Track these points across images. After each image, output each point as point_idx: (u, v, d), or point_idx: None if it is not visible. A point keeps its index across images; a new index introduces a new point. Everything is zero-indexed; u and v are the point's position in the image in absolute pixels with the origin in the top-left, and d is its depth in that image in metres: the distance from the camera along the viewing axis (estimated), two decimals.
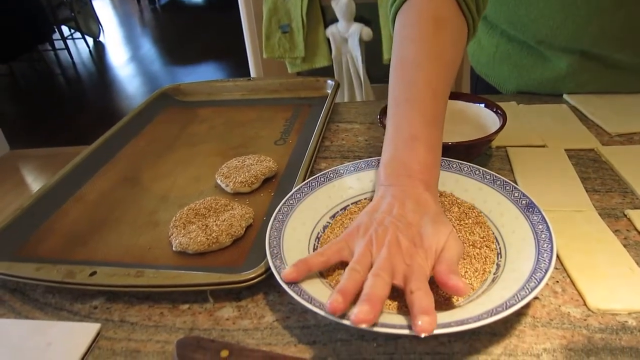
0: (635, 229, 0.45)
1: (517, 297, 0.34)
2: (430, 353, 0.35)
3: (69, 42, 4.25)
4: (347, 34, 1.55)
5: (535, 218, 0.41)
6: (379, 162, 0.47)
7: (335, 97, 0.75)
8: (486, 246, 0.42)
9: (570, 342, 0.35)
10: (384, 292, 0.34)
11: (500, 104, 0.59)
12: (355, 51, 1.56)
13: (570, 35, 0.66)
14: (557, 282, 0.40)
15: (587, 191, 0.51)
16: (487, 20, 0.78)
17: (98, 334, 0.39)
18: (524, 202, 0.44)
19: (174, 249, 0.47)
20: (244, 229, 0.48)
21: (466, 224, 0.45)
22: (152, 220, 0.52)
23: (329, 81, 0.80)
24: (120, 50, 4.44)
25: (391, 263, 0.36)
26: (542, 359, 0.34)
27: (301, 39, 1.60)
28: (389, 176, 0.44)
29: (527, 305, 0.38)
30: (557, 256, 0.42)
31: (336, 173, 0.50)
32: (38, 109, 3.22)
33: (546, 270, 0.35)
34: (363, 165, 0.51)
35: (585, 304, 0.38)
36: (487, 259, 0.41)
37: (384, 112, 0.58)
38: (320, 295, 0.35)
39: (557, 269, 0.42)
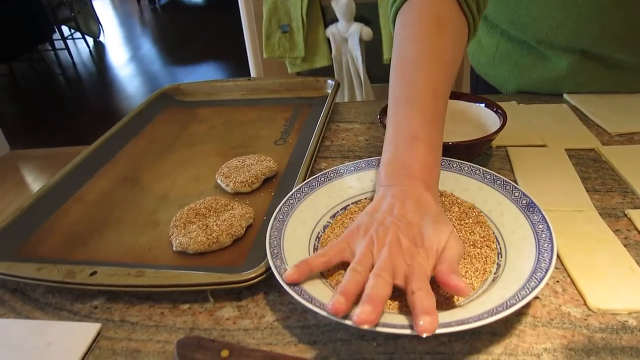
0: (636, 229, 0.45)
1: (518, 297, 0.34)
2: (431, 353, 0.35)
3: (69, 42, 4.25)
4: (347, 34, 1.55)
5: (535, 218, 0.41)
6: (379, 162, 0.47)
7: (336, 97, 0.75)
8: (487, 246, 0.42)
9: (570, 342, 0.35)
10: (386, 292, 0.34)
11: (501, 103, 0.59)
12: (356, 51, 1.56)
13: (571, 34, 0.66)
14: (558, 281, 0.40)
15: (587, 191, 0.51)
16: (487, 20, 0.78)
17: (98, 333, 0.39)
18: (524, 201, 0.44)
19: (174, 248, 0.47)
20: (244, 229, 0.48)
21: (466, 223, 0.45)
22: (152, 220, 0.52)
23: (329, 81, 0.80)
24: (120, 50, 4.44)
25: (392, 263, 0.36)
26: (542, 358, 0.34)
27: (301, 39, 1.60)
28: (389, 176, 0.44)
29: (528, 305, 0.38)
30: (558, 256, 0.42)
31: (336, 173, 0.50)
32: (38, 109, 3.22)
33: (546, 270, 0.35)
34: (363, 165, 0.51)
35: (585, 304, 0.38)
36: (487, 259, 0.41)
37: (384, 111, 0.58)
38: (320, 295, 0.35)
39: (557, 268, 0.42)
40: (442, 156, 0.46)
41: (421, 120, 0.45)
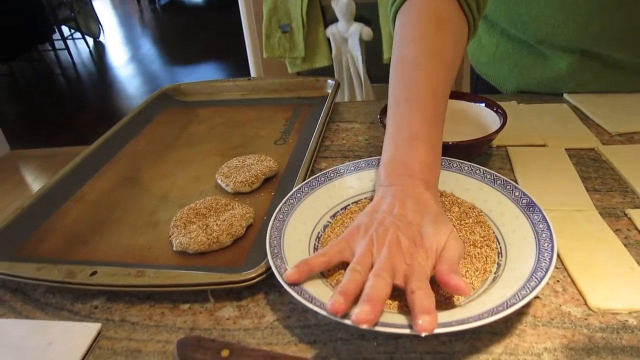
0: (636, 228, 0.45)
1: (518, 297, 0.34)
2: (431, 352, 0.35)
3: (69, 42, 4.25)
4: (347, 34, 1.55)
5: (535, 217, 0.41)
6: (379, 162, 0.47)
7: (336, 96, 0.75)
8: (487, 245, 0.42)
9: (571, 342, 0.35)
10: (385, 292, 0.34)
11: (501, 103, 0.59)
12: (356, 51, 1.56)
13: (571, 34, 0.66)
14: (558, 281, 0.40)
15: (587, 190, 0.51)
16: (487, 20, 0.78)
17: (99, 333, 0.39)
18: (524, 201, 0.44)
19: (174, 248, 0.47)
20: (245, 229, 0.48)
21: (467, 223, 0.45)
22: (152, 220, 0.52)
23: (329, 81, 0.80)
24: (120, 50, 4.44)
25: (392, 263, 0.36)
26: (542, 358, 0.34)
27: (301, 39, 1.60)
28: (389, 175, 0.44)
29: (528, 305, 0.38)
30: (558, 255, 0.42)
31: (336, 172, 0.50)
32: (38, 109, 3.22)
33: (547, 270, 0.35)
34: (363, 165, 0.51)
35: (585, 303, 0.38)
36: (487, 259, 0.41)
37: (384, 111, 0.58)
38: (320, 295, 0.35)
39: (557, 268, 0.42)
40: (443, 156, 0.46)
41: (421, 119, 0.45)
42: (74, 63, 4.07)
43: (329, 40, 1.60)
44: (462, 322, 0.32)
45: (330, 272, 0.40)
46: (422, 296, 0.33)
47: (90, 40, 4.46)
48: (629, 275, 0.40)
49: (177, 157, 0.66)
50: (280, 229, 0.42)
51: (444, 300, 0.37)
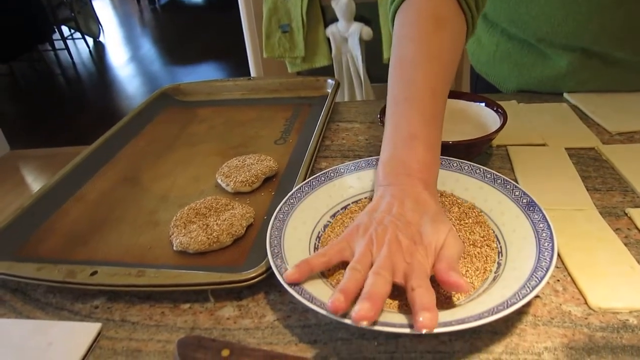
0: (636, 228, 0.45)
1: (518, 296, 0.34)
2: (431, 352, 0.35)
3: (69, 42, 4.25)
4: (347, 34, 1.55)
5: (536, 217, 0.41)
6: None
7: (336, 96, 0.75)
8: (487, 245, 0.42)
9: (571, 341, 0.35)
10: (385, 290, 0.34)
11: (501, 102, 0.59)
12: (355, 50, 1.56)
13: (571, 32, 0.66)
14: (558, 280, 0.40)
15: (587, 190, 0.51)
16: (487, 19, 0.78)
17: (99, 333, 0.39)
18: (524, 200, 0.44)
19: (174, 248, 0.47)
20: (245, 229, 0.48)
21: (466, 223, 0.45)
22: (153, 219, 0.52)
23: (329, 80, 0.80)
24: (120, 50, 4.44)
25: (391, 261, 0.36)
26: (543, 357, 0.34)
27: (301, 39, 1.60)
28: (387, 175, 0.44)
29: (528, 304, 0.38)
30: (558, 255, 0.42)
31: (337, 172, 0.50)
32: (38, 109, 3.22)
33: (547, 269, 0.35)
34: (363, 165, 0.51)
35: (586, 303, 0.38)
36: (487, 258, 0.41)
37: (384, 111, 0.58)
38: (321, 295, 0.35)
39: (558, 267, 0.42)
40: (442, 155, 0.46)
41: (420, 119, 0.45)
42: (74, 63, 4.07)
43: (329, 40, 1.60)
44: (463, 321, 0.32)
45: (330, 271, 0.40)
46: (423, 293, 0.33)
47: (90, 40, 4.46)
48: (629, 275, 0.40)
49: (177, 156, 0.66)
50: (280, 229, 0.42)
51: (444, 300, 0.37)
